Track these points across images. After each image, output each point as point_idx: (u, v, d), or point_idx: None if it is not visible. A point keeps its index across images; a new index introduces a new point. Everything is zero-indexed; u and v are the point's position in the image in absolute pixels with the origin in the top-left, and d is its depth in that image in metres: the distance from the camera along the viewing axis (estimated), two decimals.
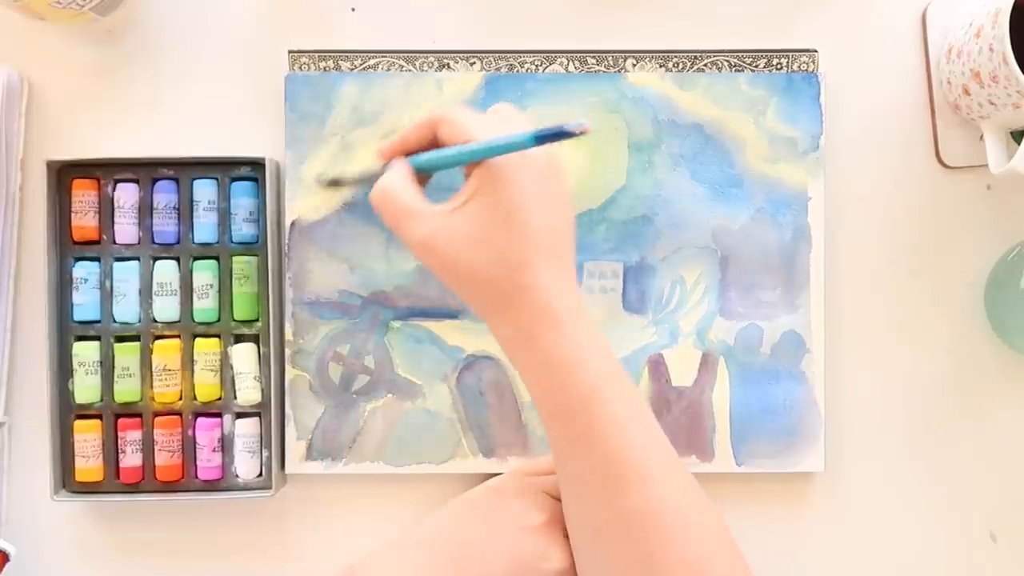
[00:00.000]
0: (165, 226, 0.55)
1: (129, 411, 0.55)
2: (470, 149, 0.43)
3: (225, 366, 0.55)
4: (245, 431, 0.55)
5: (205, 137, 0.56)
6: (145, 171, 0.55)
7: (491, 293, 0.44)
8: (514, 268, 0.43)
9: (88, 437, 0.54)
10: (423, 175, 0.48)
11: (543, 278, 0.44)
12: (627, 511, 0.43)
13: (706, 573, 0.43)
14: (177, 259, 0.55)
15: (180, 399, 0.55)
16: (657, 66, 0.55)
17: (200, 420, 0.55)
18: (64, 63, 0.57)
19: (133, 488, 0.55)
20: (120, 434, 0.55)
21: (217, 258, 0.55)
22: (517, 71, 0.55)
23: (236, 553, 0.56)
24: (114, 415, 0.55)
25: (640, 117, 0.55)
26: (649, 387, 0.55)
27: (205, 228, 0.55)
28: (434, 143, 0.47)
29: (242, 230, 0.55)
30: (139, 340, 0.55)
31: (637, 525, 0.43)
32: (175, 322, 0.55)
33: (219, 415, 0.55)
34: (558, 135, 0.40)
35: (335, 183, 0.53)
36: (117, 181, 0.55)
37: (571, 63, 0.55)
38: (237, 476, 0.55)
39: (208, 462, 0.55)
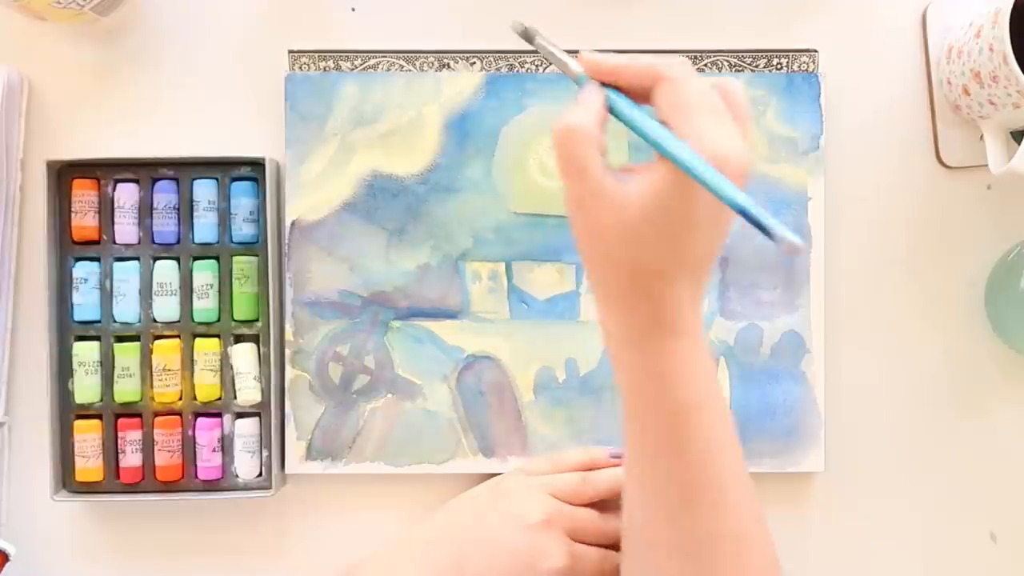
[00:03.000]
0: (165, 226, 0.55)
1: (129, 411, 0.55)
2: (670, 151, 0.37)
3: (225, 366, 0.55)
4: (245, 431, 0.55)
5: (205, 137, 0.56)
6: (145, 171, 0.55)
7: (620, 284, 0.41)
8: (654, 276, 0.40)
9: (88, 437, 0.54)
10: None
11: (676, 291, 0.41)
12: (695, 531, 0.43)
13: None
14: (177, 259, 0.55)
15: (180, 399, 0.55)
16: None
17: (200, 420, 0.55)
18: (64, 63, 0.57)
19: (133, 488, 0.55)
20: (120, 434, 0.55)
21: (217, 258, 0.55)
22: (517, 71, 0.55)
23: (236, 553, 0.56)
24: (114, 415, 0.55)
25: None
26: None
27: (205, 228, 0.55)
28: (645, 93, 0.40)
29: (242, 230, 0.55)
30: (139, 340, 0.55)
31: (701, 547, 0.43)
32: (175, 322, 0.55)
33: (219, 415, 0.55)
34: (763, 230, 0.35)
35: (528, 36, 0.44)
36: (117, 181, 0.55)
37: None
38: (237, 476, 0.55)
39: (208, 462, 0.55)
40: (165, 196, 0.55)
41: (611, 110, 0.40)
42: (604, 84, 0.41)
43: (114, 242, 0.55)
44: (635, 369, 0.43)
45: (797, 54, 0.55)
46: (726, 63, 0.55)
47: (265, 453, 0.55)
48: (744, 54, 0.55)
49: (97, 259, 0.55)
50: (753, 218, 0.36)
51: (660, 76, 0.39)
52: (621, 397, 0.44)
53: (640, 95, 0.40)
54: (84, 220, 0.54)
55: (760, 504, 0.45)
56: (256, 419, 0.55)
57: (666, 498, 0.44)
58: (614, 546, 0.52)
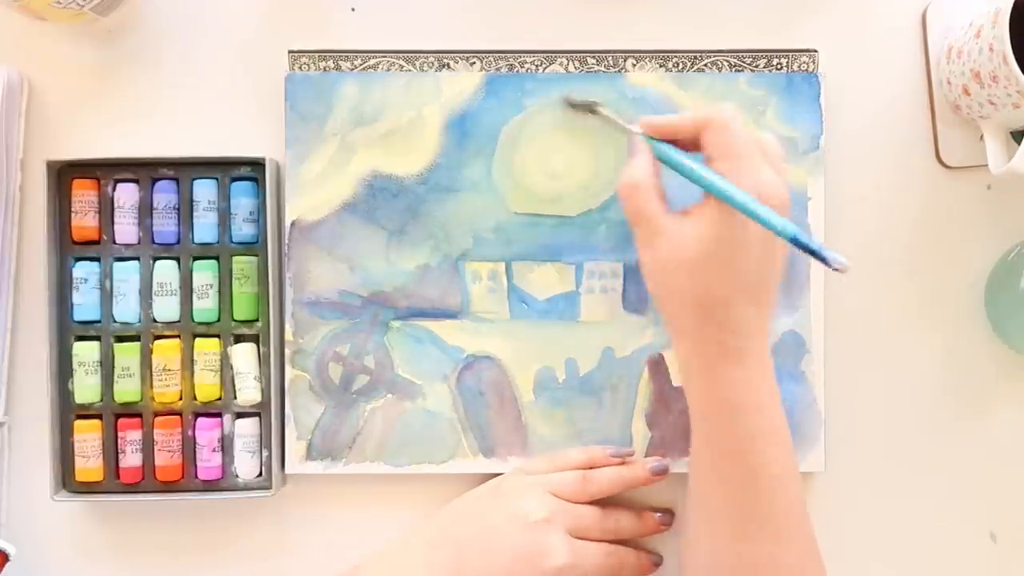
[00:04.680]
0: (165, 226, 0.55)
1: (129, 411, 0.55)
2: (724, 192, 0.43)
3: (225, 366, 0.55)
4: (245, 431, 0.55)
5: (205, 137, 0.56)
6: (145, 171, 0.55)
7: (688, 315, 0.45)
8: (718, 303, 0.45)
9: (88, 437, 0.54)
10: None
11: (739, 315, 0.45)
12: (755, 558, 0.45)
13: None
14: (177, 259, 0.55)
15: (180, 399, 0.55)
16: (657, 66, 0.55)
17: (200, 420, 0.55)
18: (64, 63, 0.57)
19: (133, 488, 0.55)
20: (120, 434, 0.55)
21: (217, 258, 0.55)
22: (517, 71, 0.55)
23: (236, 553, 0.56)
24: (114, 415, 0.55)
25: (640, 117, 0.55)
26: (649, 387, 0.55)
27: (205, 228, 0.55)
28: (695, 140, 0.47)
29: (242, 230, 0.55)
30: (139, 340, 0.55)
31: (756, 573, 0.45)
32: (175, 322, 0.55)
33: (219, 415, 0.55)
34: (813, 254, 0.41)
35: (584, 107, 0.53)
36: (117, 181, 0.55)
37: (571, 63, 0.55)
38: (237, 476, 0.55)
39: (208, 462, 0.55)
40: (165, 196, 0.55)
41: (664, 160, 0.47)
42: (660, 139, 0.47)
43: (114, 242, 0.55)
44: (705, 397, 0.46)
45: (797, 54, 0.55)
46: (726, 63, 0.55)
47: (265, 453, 0.55)
48: (744, 54, 0.55)
49: (97, 259, 0.55)
50: (804, 245, 0.41)
51: (708, 123, 0.45)
52: (692, 426, 0.47)
53: (691, 145, 0.47)
54: (84, 220, 0.54)
55: (813, 532, 0.46)
56: (256, 419, 0.55)
57: (725, 522, 0.45)
58: (615, 543, 0.52)
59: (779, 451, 0.45)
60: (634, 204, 0.46)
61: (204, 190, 0.55)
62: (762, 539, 0.45)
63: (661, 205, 0.46)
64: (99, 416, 0.55)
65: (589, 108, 0.53)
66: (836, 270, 0.41)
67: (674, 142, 0.47)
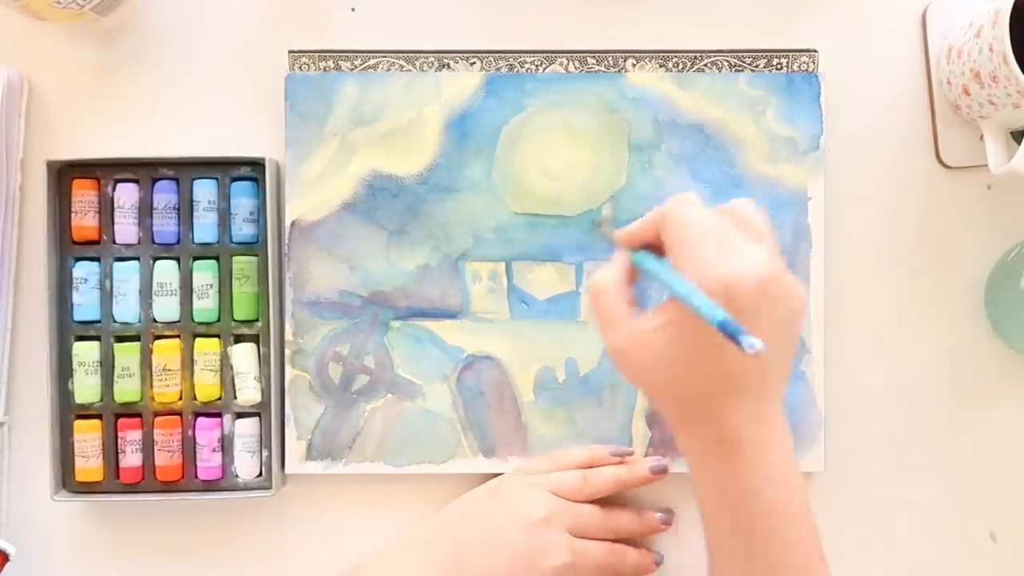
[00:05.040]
0: (165, 226, 0.55)
1: (129, 411, 0.55)
2: (670, 285, 0.41)
3: (225, 366, 0.55)
4: (245, 431, 0.55)
5: (205, 137, 0.56)
6: (145, 171, 0.55)
7: (677, 412, 0.44)
8: (702, 399, 0.42)
9: (88, 437, 0.54)
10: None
11: (731, 412, 0.42)
12: None
13: None
14: (177, 259, 0.55)
15: (180, 399, 0.55)
16: (657, 66, 0.55)
17: (200, 420, 0.55)
18: (64, 63, 0.57)
19: (133, 488, 0.55)
20: (120, 434, 0.55)
21: (217, 258, 0.55)
22: (517, 71, 0.55)
23: (236, 553, 0.56)
24: (114, 415, 0.55)
25: (640, 117, 0.55)
26: None
27: (205, 228, 0.55)
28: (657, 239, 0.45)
29: (242, 230, 0.55)
30: (139, 340, 0.55)
31: None
32: (175, 322, 0.55)
33: (219, 415, 0.55)
34: (735, 340, 0.37)
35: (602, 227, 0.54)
36: (117, 181, 0.55)
37: (571, 63, 0.55)
38: (237, 476, 0.55)
39: (208, 462, 0.55)
40: (165, 196, 0.55)
41: (637, 266, 0.45)
42: (635, 247, 0.46)
43: (114, 242, 0.55)
44: (704, 484, 0.44)
45: (797, 54, 0.55)
46: (726, 63, 0.55)
47: (265, 453, 0.55)
48: (744, 54, 0.55)
49: (97, 259, 0.55)
50: (729, 332, 0.38)
51: (660, 219, 0.43)
52: (701, 512, 0.45)
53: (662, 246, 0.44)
54: (84, 220, 0.54)
55: None
56: (256, 419, 0.55)
57: None
58: (616, 542, 0.52)
59: (786, 524, 0.43)
60: (600, 305, 0.44)
61: (204, 190, 0.55)
62: None
63: (627, 309, 0.44)
64: (99, 416, 0.55)
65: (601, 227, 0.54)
66: (751, 352, 0.37)
67: (651, 246, 0.46)
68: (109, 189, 0.55)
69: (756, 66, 0.55)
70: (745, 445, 0.42)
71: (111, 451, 0.55)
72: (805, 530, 0.44)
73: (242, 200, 0.55)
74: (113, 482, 0.55)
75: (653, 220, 0.44)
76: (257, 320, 0.55)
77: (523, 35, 0.56)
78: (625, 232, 0.46)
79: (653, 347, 0.42)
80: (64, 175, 0.55)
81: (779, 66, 0.55)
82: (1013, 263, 0.55)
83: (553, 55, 0.55)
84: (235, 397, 0.55)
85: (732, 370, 0.41)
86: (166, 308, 0.55)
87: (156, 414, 0.55)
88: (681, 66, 0.55)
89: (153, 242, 0.55)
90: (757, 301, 0.40)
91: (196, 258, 0.55)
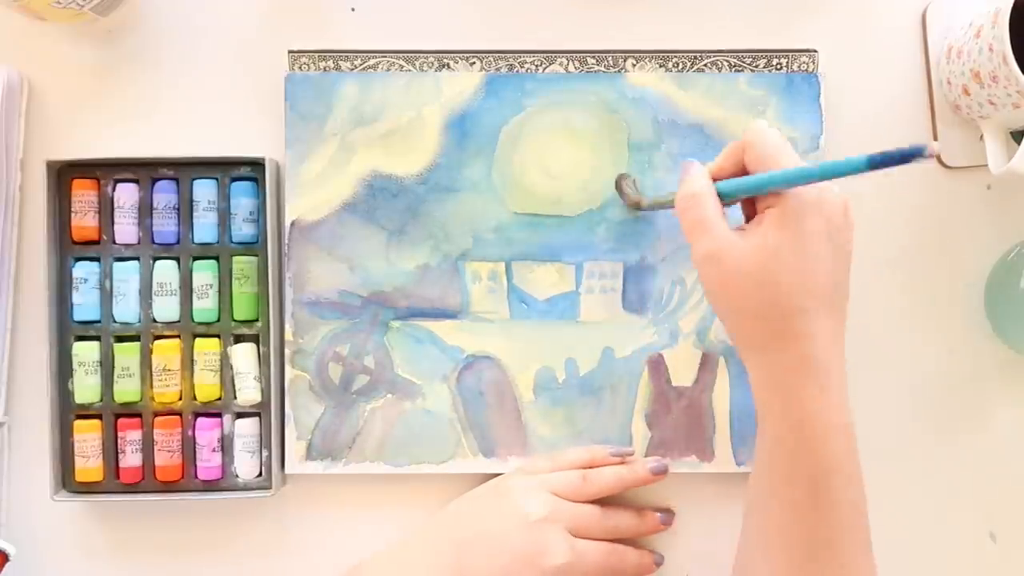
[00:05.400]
0: (165, 226, 0.55)
1: (129, 411, 0.55)
2: (782, 177, 0.41)
3: (225, 366, 0.55)
4: (245, 431, 0.55)
5: (205, 137, 0.56)
6: (145, 171, 0.55)
7: (759, 330, 0.43)
8: (792, 313, 0.42)
9: (88, 437, 0.54)
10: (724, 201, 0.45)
11: (819, 328, 0.42)
12: None
13: None
14: (177, 259, 0.55)
15: (180, 399, 0.55)
16: (657, 66, 0.55)
17: (200, 420, 0.55)
18: (64, 63, 0.57)
19: (133, 488, 0.55)
20: (120, 434, 0.55)
21: (217, 258, 0.55)
22: (517, 71, 0.55)
23: (236, 553, 0.56)
24: (114, 415, 0.55)
25: (640, 117, 0.55)
26: (649, 387, 0.55)
27: (205, 228, 0.55)
28: (741, 168, 0.45)
29: (242, 230, 0.55)
30: (139, 340, 0.55)
31: None
32: (175, 322, 0.55)
33: (219, 415, 0.55)
34: (903, 159, 0.36)
35: (639, 206, 0.53)
36: (117, 181, 0.55)
37: (571, 63, 0.55)
38: (237, 476, 0.55)
39: (208, 462, 0.55)
40: (165, 196, 0.55)
41: (722, 195, 0.44)
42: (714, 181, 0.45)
43: (114, 242, 0.55)
44: (779, 419, 0.43)
45: (797, 54, 0.55)
46: (726, 63, 0.55)
47: (265, 453, 0.55)
48: (744, 54, 0.55)
49: (97, 259, 0.55)
50: (887, 158, 0.37)
51: (746, 143, 0.44)
52: (758, 454, 0.44)
53: (740, 170, 0.45)
54: (84, 220, 0.54)
55: (873, 558, 0.44)
56: (256, 419, 0.55)
57: (787, 553, 0.43)
58: (616, 542, 0.52)
59: (853, 478, 0.43)
60: (694, 215, 0.43)
61: (204, 190, 0.55)
62: (822, 569, 0.43)
63: (721, 216, 0.43)
64: (99, 416, 0.55)
65: (638, 206, 0.53)
66: (930, 156, 0.36)
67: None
68: (109, 189, 0.55)
69: (756, 66, 0.55)
70: (830, 372, 0.42)
71: (111, 451, 0.55)
72: (862, 486, 0.44)
73: (242, 200, 0.55)
74: (113, 482, 0.55)
75: (732, 150, 0.45)
76: (257, 320, 0.55)
77: (523, 35, 0.56)
78: (706, 168, 0.46)
79: (745, 256, 0.42)
80: (64, 175, 0.55)
81: (779, 66, 0.55)
82: (1013, 263, 0.55)
83: (553, 55, 0.55)
84: (235, 397, 0.55)
85: (827, 288, 0.42)
86: (166, 308, 0.55)
87: (156, 414, 0.55)
88: (681, 66, 0.55)
89: (153, 242, 0.55)
90: (843, 220, 0.42)
91: (196, 258, 0.55)
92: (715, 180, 0.45)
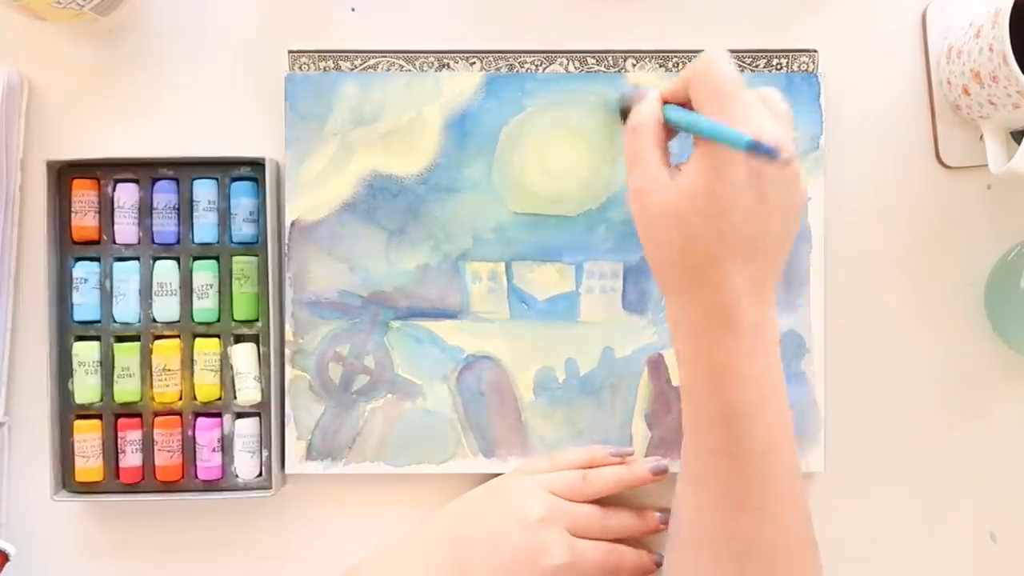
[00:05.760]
0: (165, 226, 0.55)
1: (129, 411, 0.55)
2: (695, 124, 0.42)
3: (225, 366, 0.55)
4: (245, 431, 0.55)
5: (205, 137, 0.56)
6: (145, 171, 0.55)
7: (678, 273, 0.43)
8: (706, 260, 0.42)
9: (88, 437, 0.54)
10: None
11: (733, 281, 0.42)
12: (739, 534, 0.43)
13: None
14: (177, 259, 0.55)
15: (180, 399, 0.55)
16: (657, 66, 0.55)
17: (200, 420, 0.55)
18: (64, 63, 0.57)
19: (133, 488, 0.55)
20: (120, 434, 0.55)
21: (217, 258, 0.55)
22: (517, 71, 0.55)
23: (236, 553, 0.56)
24: (114, 415, 0.55)
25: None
26: (649, 387, 0.55)
27: (205, 228, 0.55)
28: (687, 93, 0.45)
29: (242, 230, 0.55)
30: (139, 340, 0.55)
31: (744, 551, 0.43)
32: (175, 322, 0.55)
33: (219, 415, 0.55)
34: (768, 154, 0.37)
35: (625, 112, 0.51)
36: (117, 181, 0.55)
37: (571, 63, 0.55)
38: (237, 476, 0.55)
39: (208, 462, 0.55)
40: (165, 196, 0.55)
41: (666, 121, 0.45)
42: (668, 103, 0.46)
43: (114, 242, 0.55)
44: (692, 364, 0.43)
45: (797, 54, 0.55)
46: None
47: (265, 453, 0.55)
48: (744, 54, 0.55)
49: (97, 259, 0.55)
50: (762, 149, 0.37)
51: (692, 71, 0.43)
52: (681, 392, 0.45)
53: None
54: (84, 220, 0.54)
55: (810, 514, 0.45)
56: (256, 419, 0.55)
57: (714, 498, 0.44)
58: (615, 542, 0.52)
59: (769, 426, 0.43)
60: (633, 146, 0.44)
61: (204, 190, 0.55)
62: (747, 514, 0.43)
63: (660, 154, 0.44)
64: (99, 416, 0.55)
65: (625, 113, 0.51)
66: (781, 161, 0.38)
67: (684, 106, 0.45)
68: (109, 189, 0.55)
69: (756, 66, 0.55)
70: (746, 322, 0.42)
71: (111, 451, 0.55)
72: (786, 431, 0.44)
73: (242, 200, 0.55)
74: (113, 482, 0.55)
75: (683, 77, 0.44)
76: (257, 320, 0.55)
77: (523, 35, 0.56)
78: (666, 91, 0.46)
79: (673, 196, 0.42)
80: (64, 175, 0.55)
81: (779, 66, 0.55)
82: (1013, 263, 0.55)
83: (553, 55, 0.55)
84: (235, 397, 0.55)
85: (743, 235, 0.41)
86: (166, 308, 0.55)
87: (156, 414, 0.55)
88: (681, 66, 0.55)
89: (153, 242, 0.55)
90: (777, 173, 0.41)
91: (196, 258, 0.55)
92: (667, 104, 0.45)
